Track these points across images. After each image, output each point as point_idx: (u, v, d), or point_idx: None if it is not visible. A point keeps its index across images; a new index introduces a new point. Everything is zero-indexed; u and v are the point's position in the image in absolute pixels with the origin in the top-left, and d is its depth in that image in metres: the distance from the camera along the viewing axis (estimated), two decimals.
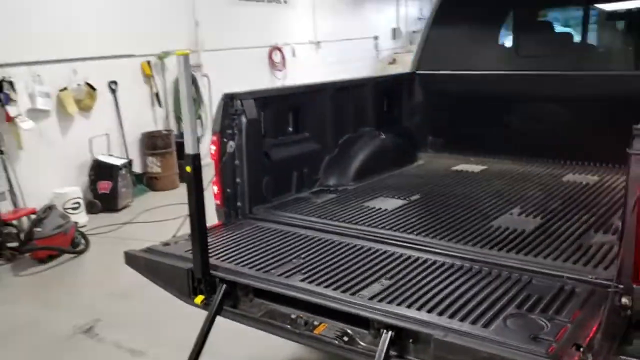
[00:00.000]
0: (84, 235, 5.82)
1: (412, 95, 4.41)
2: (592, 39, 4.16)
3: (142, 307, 4.31)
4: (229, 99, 3.02)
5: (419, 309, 1.95)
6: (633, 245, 1.97)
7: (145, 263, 2.55)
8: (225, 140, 3.03)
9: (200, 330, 2.28)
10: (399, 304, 1.99)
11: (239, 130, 3.04)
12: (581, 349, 1.67)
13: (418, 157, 4.35)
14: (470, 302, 1.98)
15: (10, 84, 6.00)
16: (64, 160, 6.73)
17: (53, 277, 5.19)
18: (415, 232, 2.67)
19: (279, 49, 10.92)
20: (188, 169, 2.24)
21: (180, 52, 2.25)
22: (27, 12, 6.29)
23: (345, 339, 2.02)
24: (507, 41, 4.20)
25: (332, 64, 11.41)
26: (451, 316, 1.89)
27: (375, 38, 14.51)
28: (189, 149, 2.26)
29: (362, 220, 2.90)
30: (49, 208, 5.60)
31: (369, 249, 2.54)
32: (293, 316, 2.16)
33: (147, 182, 7.82)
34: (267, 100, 3.27)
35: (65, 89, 6.68)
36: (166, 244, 2.69)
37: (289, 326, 2.16)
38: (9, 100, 5.93)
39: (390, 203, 3.22)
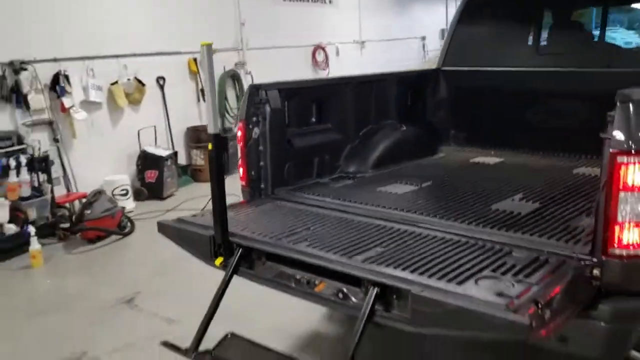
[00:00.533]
0: (130, 220, 6.24)
1: (436, 90, 4.62)
2: (610, 37, 4.29)
3: (179, 282, 4.68)
4: (254, 89, 3.33)
5: (403, 269, 2.21)
6: (602, 222, 2.18)
7: (175, 231, 2.88)
8: (250, 127, 3.34)
9: (218, 288, 2.59)
10: (386, 266, 2.25)
11: (263, 118, 3.34)
12: (539, 305, 1.89)
13: (439, 149, 4.56)
14: (450, 266, 2.22)
15: (66, 77, 6.49)
16: (114, 149, 7.19)
17: (100, 255, 5.62)
18: (416, 212, 2.91)
19: (323, 48, 11.21)
20: (210, 146, 2.55)
21: (205, 43, 2.56)
22: (82, 10, 6.76)
23: (341, 295, 2.29)
24: (529, 40, 4.37)
25: (377, 64, 11.63)
26: (430, 276, 2.14)
27: (423, 38, 14.64)
28: (210, 129, 2.57)
29: (370, 201, 3.14)
30: (99, 193, 6.05)
31: (372, 224, 2.79)
32: (298, 277, 2.44)
33: (192, 173, 8.23)
34: (292, 91, 3.55)
35: (116, 82, 7.13)
36: (194, 215, 3.01)
37: (293, 285, 2.44)
38: (64, 92, 6.42)
39: (402, 188, 3.46)
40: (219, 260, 2.63)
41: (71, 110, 6.50)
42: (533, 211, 2.89)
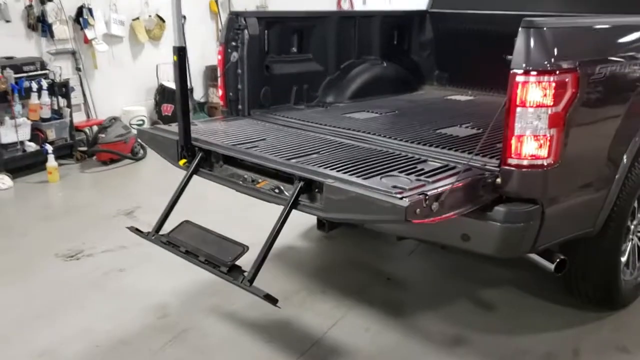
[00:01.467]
0: (143, 147, 6.69)
1: (422, 31, 4.85)
2: None
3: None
4: (234, 16, 3.65)
5: (326, 168, 2.55)
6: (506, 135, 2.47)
7: (149, 136, 3.28)
8: (229, 51, 3.67)
9: (179, 184, 2.99)
10: (314, 166, 2.59)
11: (242, 43, 3.67)
12: (426, 197, 2.22)
13: (420, 87, 4.82)
14: (368, 167, 2.55)
15: (90, 10, 6.89)
16: (133, 82, 7.61)
17: (111, 175, 6.11)
18: (363, 131, 3.23)
19: None
20: (175, 58, 2.91)
21: None
22: None
23: (277, 191, 2.65)
24: None
25: None
26: (346, 173, 2.48)
27: None
28: (175, 43, 2.92)
29: (329, 122, 3.46)
30: (114, 119, 6.50)
31: (320, 138, 3.13)
32: (246, 176, 2.81)
33: (208, 110, 8.63)
34: (272, 20, 3.86)
35: (137, 18, 7.51)
36: (169, 125, 3.40)
37: (241, 183, 2.82)
38: (87, 24, 6.83)
39: (366, 115, 3.77)
40: (182, 162, 3.02)
41: (93, 42, 6.92)
42: (471, 135, 3.18)
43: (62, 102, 6.32)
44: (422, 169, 2.55)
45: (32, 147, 5.96)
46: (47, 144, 5.92)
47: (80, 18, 6.79)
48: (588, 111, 2.60)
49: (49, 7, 6.47)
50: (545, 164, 2.46)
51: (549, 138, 2.43)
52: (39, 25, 6.39)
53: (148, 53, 7.77)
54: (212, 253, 2.58)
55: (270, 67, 3.90)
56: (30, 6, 6.32)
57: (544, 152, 2.44)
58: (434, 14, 4.83)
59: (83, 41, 6.89)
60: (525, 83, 2.39)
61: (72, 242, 4.36)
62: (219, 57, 3.70)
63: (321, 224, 3.30)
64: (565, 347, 3.05)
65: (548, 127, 2.42)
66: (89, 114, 7.00)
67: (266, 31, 3.82)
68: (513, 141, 2.45)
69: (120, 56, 7.44)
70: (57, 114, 6.24)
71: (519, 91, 2.40)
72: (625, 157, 2.86)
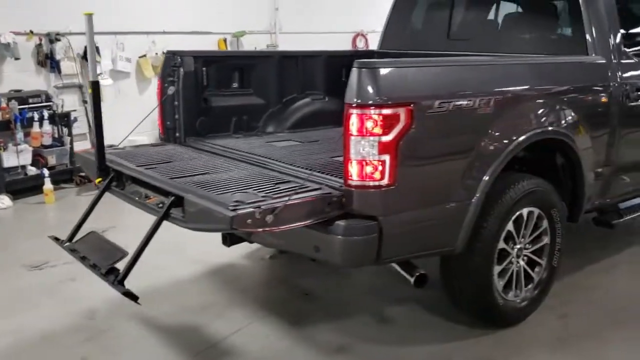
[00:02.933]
0: None
1: None
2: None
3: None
4: (170, 55, 4.15)
5: (196, 186, 2.95)
6: (345, 160, 2.82)
7: (81, 159, 3.78)
8: (166, 85, 4.16)
9: (93, 199, 3.46)
10: (188, 184, 3.00)
11: (178, 78, 4.15)
12: (259, 209, 2.59)
13: None
14: (234, 185, 2.93)
15: (97, 48, 7.55)
16: (138, 115, 8.19)
17: (103, 199, 6.64)
18: (270, 157, 3.60)
19: (364, 36, 11.77)
20: (90, 90, 3.39)
21: (87, 13, 3.37)
22: None
23: (160, 205, 3.06)
24: (443, 25, 4.87)
25: None
26: (209, 189, 2.87)
27: None
28: (90, 77, 3.42)
29: (247, 149, 3.85)
30: (110, 147, 7.08)
31: (226, 162, 3.54)
32: (142, 193, 3.25)
33: None
34: (210, 59, 4.33)
35: (144, 56, 8.17)
36: None
37: (137, 199, 3.25)
38: None
39: (288, 143, 4.15)
40: (98, 180, 3.49)
41: (99, 77, 7.56)
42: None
43: (65, 131, 6.95)
44: (278, 188, 2.92)
45: (33, 171, 6.59)
46: (45, 169, 6.53)
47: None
48: (430, 140, 2.93)
49: (58, 45, 7.18)
50: (380, 185, 2.79)
51: (381, 163, 2.77)
52: (48, 62, 7.07)
53: (154, 87, 8.38)
54: (99, 258, 3.00)
55: (209, 99, 4.35)
56: (40, 45, 7.03)
57: (378, 175, 2.78)
58: (381, 54, 5.20)
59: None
60: (357, 115, 2.75)
61: (43, 255, 4.87)
62: (157, 90, 4.18)
63: (224, 239, 3.69)
64: (436, 358, 3.31)
65: (379, 153, 2.76)
66: (93, 143, 7.62)
67: (205, 68, 4.29)
68: (350, 165, 2.80)
69: (126, 90, 8.09)
70: (59, 141, 6.88)
71: (351, 122, 2.76)
72: (481, 183, 3.13)
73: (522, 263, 3.60)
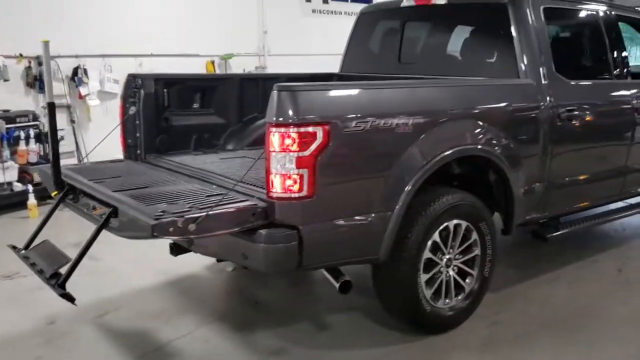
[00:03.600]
0: None
1: None
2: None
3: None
4: (131, 77, 4.45)
5: (134, 199, 3.21)
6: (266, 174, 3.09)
7: (41, 172, 4.07)
8: (127, 105, 4.45)
9: (49, 210, 3.73)
10: (127, 196, 3.26)
11: (138, 99, 4.44)
12: (181, 218, 2.85)
13: None
14: (167, 197, 3.19)
15: (85, 70, 7.92)
16: None
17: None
18: (215, 172, 3.86)
19: None
20: (47, 111, 3.69)
21: (44, 40, 3.68)
22: (106, 14, 8.19)
23: (104, 215, 3.33)
24: (395, 50, 5.15)
25: None
26: (143, 201, 3.14)
27: None
28: (46, 99, 3.72)
29: (198, 165, 4.10)
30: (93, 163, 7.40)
31: (169, 176, 3.82)
32: (90, 205, 3.52)
33: None
34: (172, 81, 4.63)
35: None
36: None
37: (85, 210, 3.52)
38: (81, 82, 7.86)
39: (242, 160, 4.41)
40: (54, 193, 3.77)
41: (87, 98, 7.93)
42: None
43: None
44: (208, 200, 3.18)
45: (19, 187, 6.90)
46: (29, 185, 6.84)
47: (76, 77, 7.81)
48: (348, 155, 3.17)
49: None
50: (299, 197, 3.05)
51: (299, 176, 3.03)
52: (36, 83, 7.42)
53: None
54: (46, 264, 3.27)
55: (170, 119, 4.63)
56: (29, 67, 7.39)
57: (296, 187, 3.04)
58: (341, 77, 5.48)
59: (77, 97, 7.91)
60: (276, 133, 3.01)
61: (16, 266, 5.14)
62: (120, 110, 4.48)
63: (171, 249, 3.95)
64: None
65: (297, 167, 3.01)
66: (80, 160, 7.95)
67: (166, 90, 4.58)
68: (271, 178, 3.06)
69: (114, 110, 8.38)
70: (45, 159, 7.18)
71: (271, 139, 3.02)
72: (402, 196, 3.37)
73: (452, 273, 3.81)
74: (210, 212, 2.95)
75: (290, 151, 3.01)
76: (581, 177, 4.52)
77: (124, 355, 3.63)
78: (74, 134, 7.92)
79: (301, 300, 4.44)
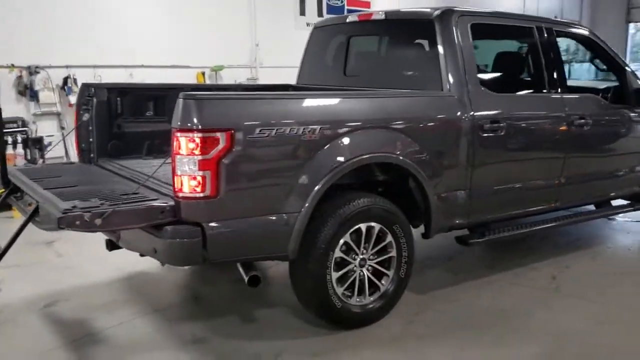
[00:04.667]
0: None
1: None
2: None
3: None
4: (85, 87, 4.80)
5: (59, 196, 3.52)
6: (172, 175, 3.39)
7: None
8: (81, 112, 4.80)
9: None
10: (53, 194, 3.58)
11: (91, 107, 4.79)
12: (90, 213, 3.16)
13: None
14: (88, 195, 3.50)
15: (75, 80, 8.35)
16: None
17: None
18: (149, 175, 4.16)
19: None
20: None
21: None
22: (97, 26, 8.62)
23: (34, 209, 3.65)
24: (341, 63, 5.42)
25: None
26: (65, 198, 3.45)
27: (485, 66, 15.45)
28: None
29: (138, 168, 4.41)
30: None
31: (106, 177, 4.14)
32: (28, 202, 3.86)
33: None
34: (125, 90, 4.97)
35: None
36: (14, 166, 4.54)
37: (22, 206, 3.86)
38: (71, 91, 8.28)
39: None
40: (1, 191, 4.12)
41: None
42: None
43: (38, 153, 7.69)
44: (122, 198, 3.49)
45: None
46: None
47: (66, 86, 8.24)
48: (253, 159, 3.45)
49: (37, 77, 7.97)
50: (203, 196, 3.34)
51: (202, 178, 3.32)
52: (27, 91, 7.86)
53: None
54: None
55: (122, 125, 4.97)
56: (20, 76, 7.83)
57: (200, 188, 3.33)
58: (297, 88, 5.77)
59: (67, 105, 8.33)
60: (180, 137, 3.31)
61: None
62: (74, 116, 4.84)
63: (106, 244, 4.26)
64: (273, 351, 3.79)
65: (199, 169, 3.31)
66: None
67: (119, 98, 4.92)
68: (176, 179, 3.36)
69: None
70: (32, 163, 7.59)
71: (175, 143, 3.32)
72: (308, 199, 3.64)
73: (366, 272, 4.05)
74: (117, 209, 3.25)
75: (194, 154, 3.30)
76: (506, 186, 4.72)
77: (56, 340, 3.95)
78: (64, 141, 8.31)
79: (239, 296, 4.70)
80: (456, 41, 4.43)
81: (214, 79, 10.26)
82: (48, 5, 8.14)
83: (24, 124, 7.64)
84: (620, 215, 6.69)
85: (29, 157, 7.61)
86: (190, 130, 3.29)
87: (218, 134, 3.33)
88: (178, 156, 3.34)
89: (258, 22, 10.81)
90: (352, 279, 4.01)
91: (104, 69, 8.74)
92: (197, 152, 3.30)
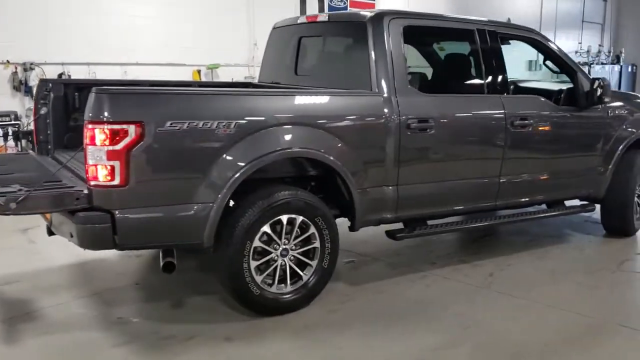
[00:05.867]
0: None
1: None
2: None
3: None
4: (43, 82, 5.11)
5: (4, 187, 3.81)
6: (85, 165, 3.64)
7: None
8: (39, 106, 5.12)
9: None
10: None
11: (49, 102, 5.10)
12: (4, 197, 3.44)
13: None
14: (15, 182, 3.79)
15: (69, 76, 8.74)
16: None
17: None
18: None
19: None
20: None
21: None
22: (93, 25, 9.02)
23: None
24: (293, 63, 5.62)
25: None
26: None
27: None
28: None
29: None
30: None
31: (51, 167, 4.43)
32: None
33: None
34: (82, 86, 5.26)
35: None
36: None
37: None
38: None
39: None
40: None
41: None
42: None
43: (30, 146, 8.09)
44: (44, 184, 3.76)
45: None
46: None
47: None
48: (164, 151, 3.68)
49: (32, 73, 8.38)
50: (112, 185, 3.59)
51: (112, 167, 3.57)
52: (22, 87, 8.28)
53: None
54: None
55: (79, 119, 5.24)
56: (15, 72, 8.26)
57: (109, 177, 3.58)
58: (257, 85, 6.00)
59: None
60: (90, 129, 3.57)
61: None
62: (33, 110, 5.15)
63: (47, 230, 4.56)
64: (188, 334, 4.02)
65: (108, 159, 3.56)
66: None
67: (77, 93, 5.22)
68: (88, 169, 3.62)
69: None
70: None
71: (87, 134, 3.58)
72: (223, 190, 3.85)
73: (288, 262, 4.25)
74: (31, 194, 3.53)
75: (104, 145, 3.56)
76: (437, 183, 4.85)
77: None
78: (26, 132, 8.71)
79: (181, 283, 4.92)
80: (386, 43, 4.59)
81: (210, 77, 10.57)
82: (43, 4, 8.54)
83: (17, 117, 8.04)
84: (587, 215, 6.73)
85: (19, 149, 7.99)
86: (101, 122, 3.55)
87: (127, 126, 3.58)
88: (90, 147, 3.59)
89: (257, 21, 11.08)
90: (272, 267, 4.19)
91: (98, 66, 9.09)
92: (107, 143, 3.55)
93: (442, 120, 4.77)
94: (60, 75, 8.72)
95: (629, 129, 6.05)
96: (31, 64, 8.42)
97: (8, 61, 8.26)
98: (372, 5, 13.45)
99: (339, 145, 4.31)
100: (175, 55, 9.92)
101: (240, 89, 4.74)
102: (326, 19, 5.09)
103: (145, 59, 9.59)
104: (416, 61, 5.86)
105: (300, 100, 4.30)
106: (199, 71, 10.38)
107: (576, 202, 6.19)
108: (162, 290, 4.83)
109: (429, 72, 5.88)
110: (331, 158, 4.26)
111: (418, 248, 5.88)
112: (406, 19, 4.77)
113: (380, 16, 4.65)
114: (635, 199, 6.22)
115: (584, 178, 5.82)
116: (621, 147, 5.98)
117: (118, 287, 4.86)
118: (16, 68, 8.34)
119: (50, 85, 5.09)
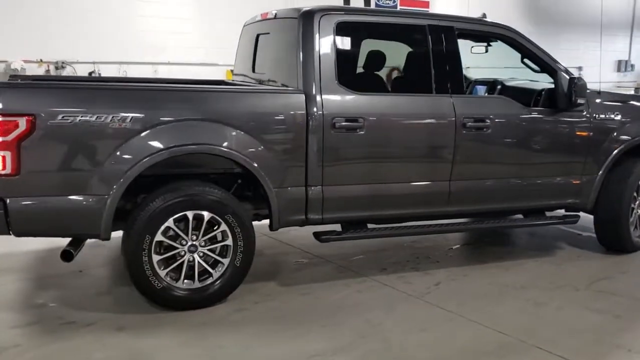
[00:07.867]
0: None
1: None
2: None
3: None
4: (12, 79, 5.44)
5: None
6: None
7: None
8: None
9: None
10: None
11: None
12: None
13: None
14: None
15: (99, 74, 9.23)
16: None
17: None
18: None
19: None
20: None
21: None
22: (124, 25, 9.45)
23: None
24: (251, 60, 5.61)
25: None
26: None
27: (579, 69, 14.87)
28: None
29: None
30: None
31: None
32: None
33: None
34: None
35: None
36: None
37: None
38: None
39: None
40: None
41: None
42: None
43: None
44: None
45: None
46: None
47: None
48: (56, 143, 3.84)
49: (64, 71, 8.92)
50: (3, 174, 3.77)
51: (2, 158, 3.75)
52: None
53: None
54: None
55: None
56: (48, 71, 8.83)
57: (1, 166, 3.77)
58: (229, 83, 6.07)
59: None
60: None
61: None
62: None
63: None
64: (87, 321, 4.13)
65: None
66: None
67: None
68: None
69: None
70: None
71: None
72: (118, 184, 3.94)
73: (197, 258, 4.26)
74: None
75: None
76: (369, 185, 4.68)
77: None
78: None
79: (121, 275, 5.05)
80: (315, 39, 4.50)
81: None
82: (79, 4, 9.06)
83: None
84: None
85: None
86: None
87: (18, 119, 3.74)
88: None
89: None
90: (177, 263, 4.22)
91: (130, 65, 9.52)
92: None
93: (374, 120, 4.60)
94: (90, 73, 9.22)
95: (622, 135, 5.55)
96: (63, 62, 8.96)
97: (41, 60, 8.84)
98: (427, 5, 13.13)
99: (253, 142, 4.27)
100: (206, 55, 10.19)
101: (147, 84, 4.80)
102: (273, 16, 5.05)
103: (177, 58, 9.93)
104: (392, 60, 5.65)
105: (209, 97, 4.32)
106: (232, 71, 10.56)
107: (561, 212, 5.77)
108: (98, 279, 5.00)
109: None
110: (239, 154, 4.22)
111: (380, 253, 5.71)
112: (341, 15, 4.65)
113: (311, 12, 4.57)
114: (636, 211, 5.69)
115: (561, 186, 5.39)
116: (613, 154, 5.49)
117: (60, 274, 5.06)
118: (49, 66, 8.91)
119: (19, 81, 5.38)
